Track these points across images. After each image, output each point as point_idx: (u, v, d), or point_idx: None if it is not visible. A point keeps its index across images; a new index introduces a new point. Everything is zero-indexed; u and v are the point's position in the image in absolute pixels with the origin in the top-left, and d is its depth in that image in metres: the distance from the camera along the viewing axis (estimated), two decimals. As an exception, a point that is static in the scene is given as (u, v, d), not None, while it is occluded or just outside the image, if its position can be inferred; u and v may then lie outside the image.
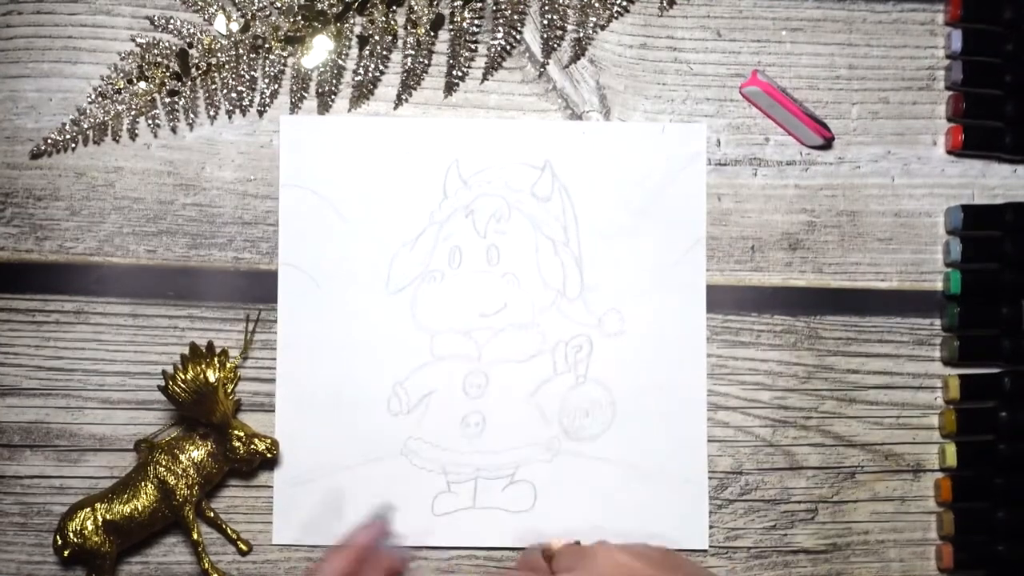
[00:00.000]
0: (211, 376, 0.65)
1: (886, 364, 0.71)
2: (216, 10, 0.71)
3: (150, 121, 0.71)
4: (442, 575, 0.69)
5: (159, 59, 0.71)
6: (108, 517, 0.66)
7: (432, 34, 0.71)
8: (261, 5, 0.71)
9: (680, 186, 0.71)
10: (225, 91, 0.71)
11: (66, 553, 0.66)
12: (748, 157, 0.72)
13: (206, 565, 0.67)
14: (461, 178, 0.71)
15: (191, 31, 0.71)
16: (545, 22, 0.71)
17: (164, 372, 0.65)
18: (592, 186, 0.71)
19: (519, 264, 0.71)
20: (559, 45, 0.72)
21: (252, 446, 0.67)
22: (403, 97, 0.71)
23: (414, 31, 0.71)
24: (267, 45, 0.71)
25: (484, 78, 0.72)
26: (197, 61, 0.71)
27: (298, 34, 0.71)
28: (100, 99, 0.70)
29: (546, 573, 0.61)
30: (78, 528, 0.66)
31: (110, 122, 0.70)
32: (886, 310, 0.72)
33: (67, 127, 0.70)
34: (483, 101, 0.72)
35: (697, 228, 0.71)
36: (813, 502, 0.71)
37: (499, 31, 0.71)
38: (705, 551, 0.70)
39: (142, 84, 0.71)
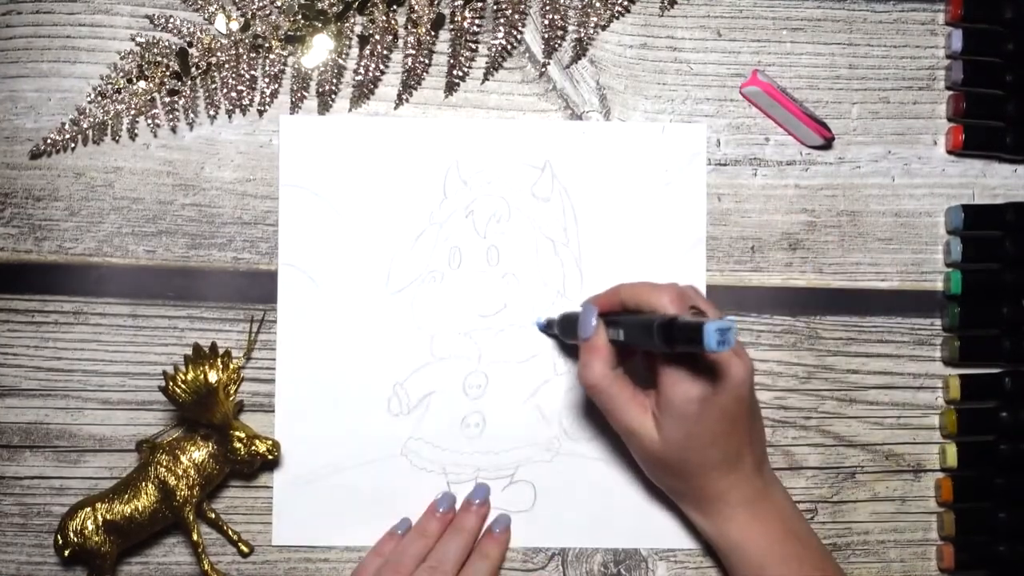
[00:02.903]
0: (212, 377, 0.65)
1: (886, 364, 0.71)
2: (216, 9, 0.71)
3: (150, 121, 0.70)
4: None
5: (159, 58, 0.70)
6: (108, 517, 0.66)
7: (433, 34, 0.71)
8: (261, 4, 0.71)
9: (680, 186, 0.71)
10: (225, 91, 0.71)
11: (66, 553, 0.66)
12: (748, 157, 0.72)
13: (206, 566, 0.67)
14: (461, 178, 0.71)
15: (191, 30, 0.71)
16: (546, 22, 0.71)
17: (164, 372, 0.65)
18: (592, 186, 0.71)
19: (519, 264, 0.71)
20: (560, 45, 0.72)
21: (253, 447, 0.67)
22: (403, 97, 0.71)
23: (415, 31, 0.71)
24: (267, 44, 0.71)
25: (484, 78, 0.72)
26: (197, 60, 0.71)
27: (298, 33, 0.71)
28: (99, 99, 0.70)
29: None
30: (78, 528, 0.66)
31: (109, 122, 0.70)
32: (886, 310, 0.72)
33: (66, 127, 0.70)
34: (483, 101, 0.72)
35: (697, 228, 0.71)
36: (813, 502, 0.71)
37: (500, 31, 0.71)
38: (705, 551, 0.70)
39: (142, 83, 0.71)
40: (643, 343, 0.59)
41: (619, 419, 0.64)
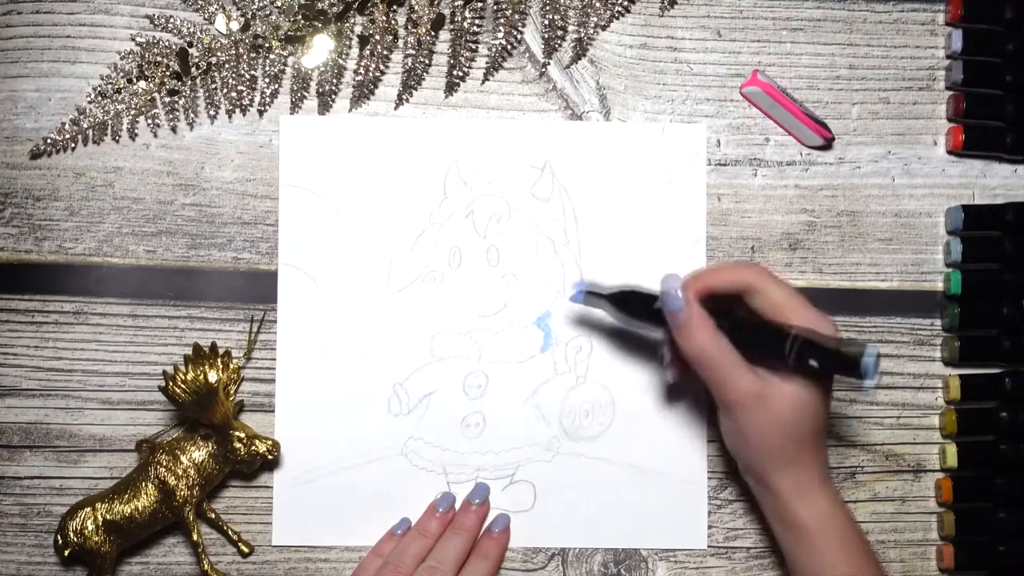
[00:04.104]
0: (212, 377, 0.65)
1: (886, 364, 0.71)
2: (216, 9, 0.71)
3: (150, 121, 0.70)
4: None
5: (159, 58, 0.70)
6: (109, 517, 0.66)
7: (433, 34, 0.71)
8: (261, 4, 0.71)
9: (680, 186, 0.71)
10: (225, 91, 0.71)
11: (66, 553, 0.66)
12: (748, 157, 0.72)
13: (206, 566, 0.67)
14: (461, 178, 0.71)
15: (191, 30, 0.71)
16: (546, 22, 0.71)
17: (164, 372, 0.65)
18: (592, 186, 0.71)
19: (519, 264, 0.71)
20: (560, 45, 0.72)
21: (253, 447, 0.67)
22: (403, 97, 0.71)
23: (415, 31, 0.71)
24: (267, 44, 0.71)
25: (485, 78, 0.72)
26: (197, 60, 0.71)
27: (298, 33, 0.71)
28: (100, 99, 0.70)
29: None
30: (78, 527, 0.66)
31: (110, 122, 0.70)
32: (886, 310, 0.72)
33: (66, 127, 0.70)
34: (483, 101, 0.72)
35: (697, 228, 0.71)
36: (813, 502, 0.71)
37: (500, 31, 0.71)
38: (705, 551, 0.70)
39: (142, 83, 0.71)
40: (754, 349, 0.60)
41: (729, 388, 0.61)
